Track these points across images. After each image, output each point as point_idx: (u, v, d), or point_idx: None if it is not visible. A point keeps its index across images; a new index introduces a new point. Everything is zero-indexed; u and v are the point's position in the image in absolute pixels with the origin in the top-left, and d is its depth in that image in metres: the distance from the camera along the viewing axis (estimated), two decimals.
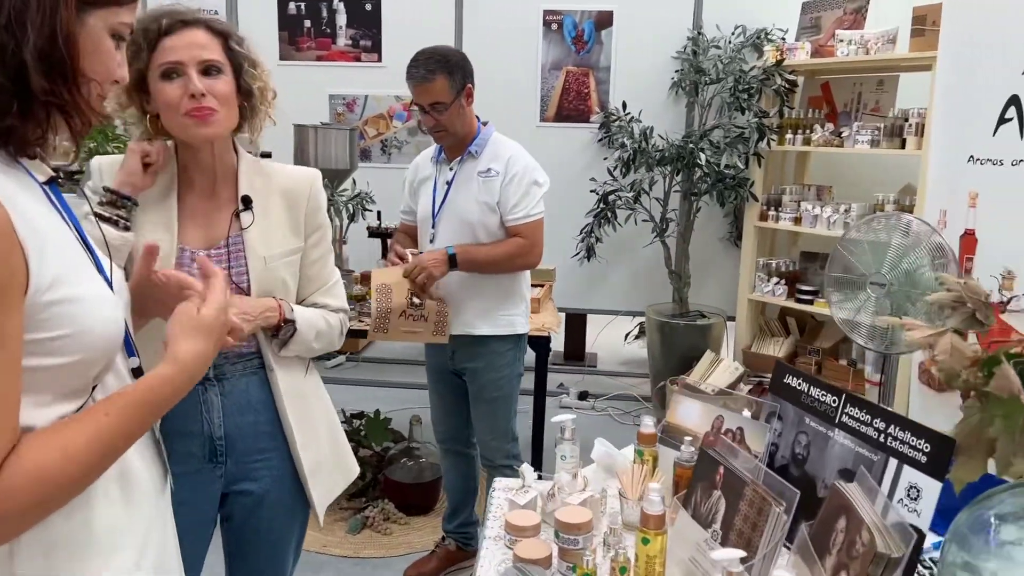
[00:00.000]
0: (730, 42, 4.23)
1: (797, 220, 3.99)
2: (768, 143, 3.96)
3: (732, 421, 1.70)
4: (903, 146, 3.57)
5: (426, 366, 2.88)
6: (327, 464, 1.69)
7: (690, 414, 1.77)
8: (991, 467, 1.24)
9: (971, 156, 2.98)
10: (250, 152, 1.63)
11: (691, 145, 3.93)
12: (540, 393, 3.17)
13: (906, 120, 3.55)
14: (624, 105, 4.22)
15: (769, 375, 4.23)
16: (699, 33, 4.28)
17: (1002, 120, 2.88)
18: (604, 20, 4.45)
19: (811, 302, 3.98)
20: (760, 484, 1.32)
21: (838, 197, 4.12)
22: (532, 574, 1.38)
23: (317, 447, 1.66)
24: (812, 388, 1.57)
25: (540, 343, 3.05)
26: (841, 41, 3.78)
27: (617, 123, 4.23)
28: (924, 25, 3.43)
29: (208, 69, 1.46)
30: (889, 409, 1.41)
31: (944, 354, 1.21)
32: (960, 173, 3.02)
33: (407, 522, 3.29)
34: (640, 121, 4.19)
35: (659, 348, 4.33)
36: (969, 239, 2.96)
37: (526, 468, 1.72)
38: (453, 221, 2.55)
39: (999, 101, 2.87)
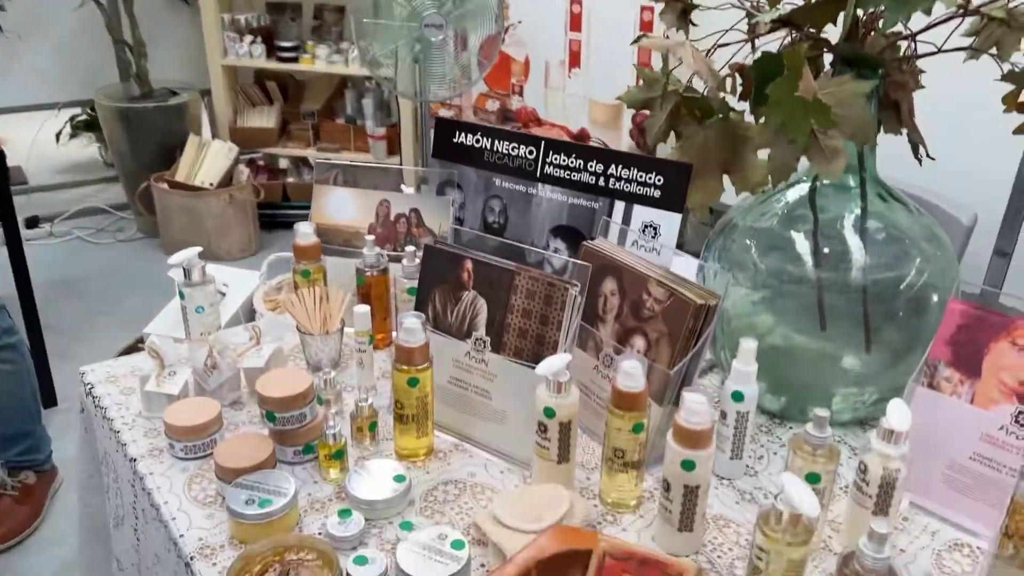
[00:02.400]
0: None
1: None
2: None
3: (400, 203, 1.36)
4: None
5: None
6: None
7: (343, 207, 1.37)
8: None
9: None
10: None
11: None
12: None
13: None
14: None
15: (263, 151, 3.82)
16: None
17: None
18: None
19: (295, 59, 3.58)
20: (533, 268, 1.07)
21: None
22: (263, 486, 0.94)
23: None
24: (498, 142, 1.32)
25: None
26: None
27: None
28: None
29: None
30: (604, 147, 1.26)
31: (698, 65, 1.07)
32: None
33: None
34: None
35: (125, 142, 3.50)
36: None
37: (156, 341, 1.15)
38: None
39: None
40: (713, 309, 1.01)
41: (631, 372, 0.93)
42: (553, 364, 0.95)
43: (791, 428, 1.16)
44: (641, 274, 1.08)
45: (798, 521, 0.76)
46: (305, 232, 1.28)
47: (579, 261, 1.07)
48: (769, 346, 1.11)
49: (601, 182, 1.24)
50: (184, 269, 1.21)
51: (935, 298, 1.08)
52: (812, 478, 0.87)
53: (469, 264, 1.09)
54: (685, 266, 1.21)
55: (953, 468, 0.97)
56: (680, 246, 1.21)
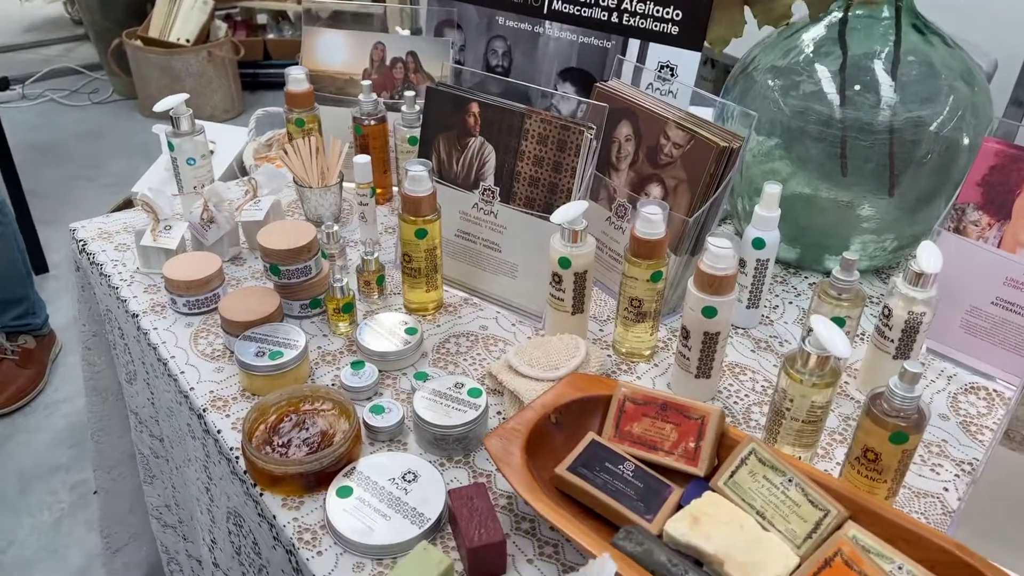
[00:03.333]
0: None
1: None
2: None
3: (396, 46, 1.27)
4: None
5: None
6: None
7: (333, 51, 1.28)
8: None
9: None
10: None
11: None
12: None
13: None
14: None
15: (239, 4, 3.60)
16: None
17: None
18: None
19: None
20: (544, 111, 1.00)
21: None
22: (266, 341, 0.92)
23: None
24: None
25: None
26: None
27: None
28: None
29: None
30: None
31: None
32: None
33: None
34: None
35: None
36: None
37: (149, 194, 1.09)
38: None
39: None
40: (736, 152, 0.96)
41: (651, 218, 0.89)
42: (569, 212, 0.91)
43: (807, 278, 1.14)
44: (659, 117, 1.02)
45: (825, 364, 0.75)
46: (297, 77, 1.20)
47: (593, 102, 1.01)
48: (788, 194, 1.07)
49: (614, 18, 1.16)
50: (172, 118, 1.13)
51: (966, 140, 1.03)
52: (836, 323, 0.85)
53: (476, 107, 1.02)
54: (700, 113, 1.15)
55: (973, 313, 0.95)
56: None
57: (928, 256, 0.83)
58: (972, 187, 0.95)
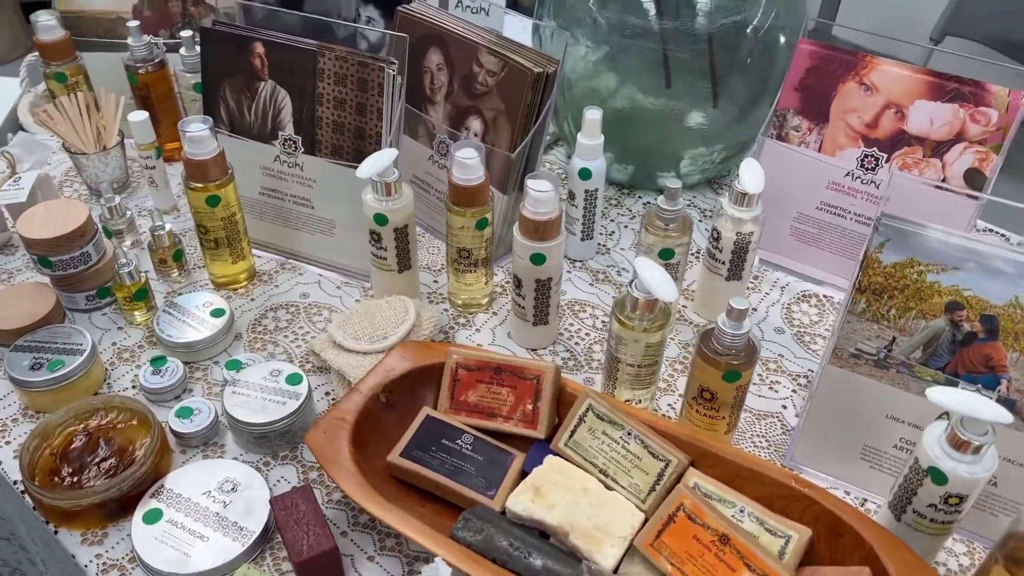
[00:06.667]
0: None
1: None
2: None
3: None
4: None
5: None
6: None
7: None
8: None
9: None
10: None
11: None
12: None
13: None
14: None
15: None
16: None
17: None
18: None
19: None
20: (338, 46, 0.88)
21: None
22: None
23: None
24: None
25: None
26: None
27: None
28: None
29: None
30: None
31: None
32: None
33: None
34: None
35: None
36: None
37: None
38: None
39: None
40: (552, 76, 0.89)
41: (467, 162, 0.81)
42: (377, 163, 0.81)
43: (640, 198, 1.11)
44: (469, 42, 0.92)
45: (654, 306, 0.71)
46: (47, 24, 1.01)
47: (396, 33, 0.90)
48: (613, 111, 1.02)
49: None
50: None
51: (782, 40, 1.00)
52: (665, 254, 0.82)
53: (260, 47, 0.89)
54: (518, 28, 1.07)
55: (801, 220, 0.95)
56: (513, 4, 1.06)
57: (750, 175, 0.81)
58: (790, 92, 0.93)
